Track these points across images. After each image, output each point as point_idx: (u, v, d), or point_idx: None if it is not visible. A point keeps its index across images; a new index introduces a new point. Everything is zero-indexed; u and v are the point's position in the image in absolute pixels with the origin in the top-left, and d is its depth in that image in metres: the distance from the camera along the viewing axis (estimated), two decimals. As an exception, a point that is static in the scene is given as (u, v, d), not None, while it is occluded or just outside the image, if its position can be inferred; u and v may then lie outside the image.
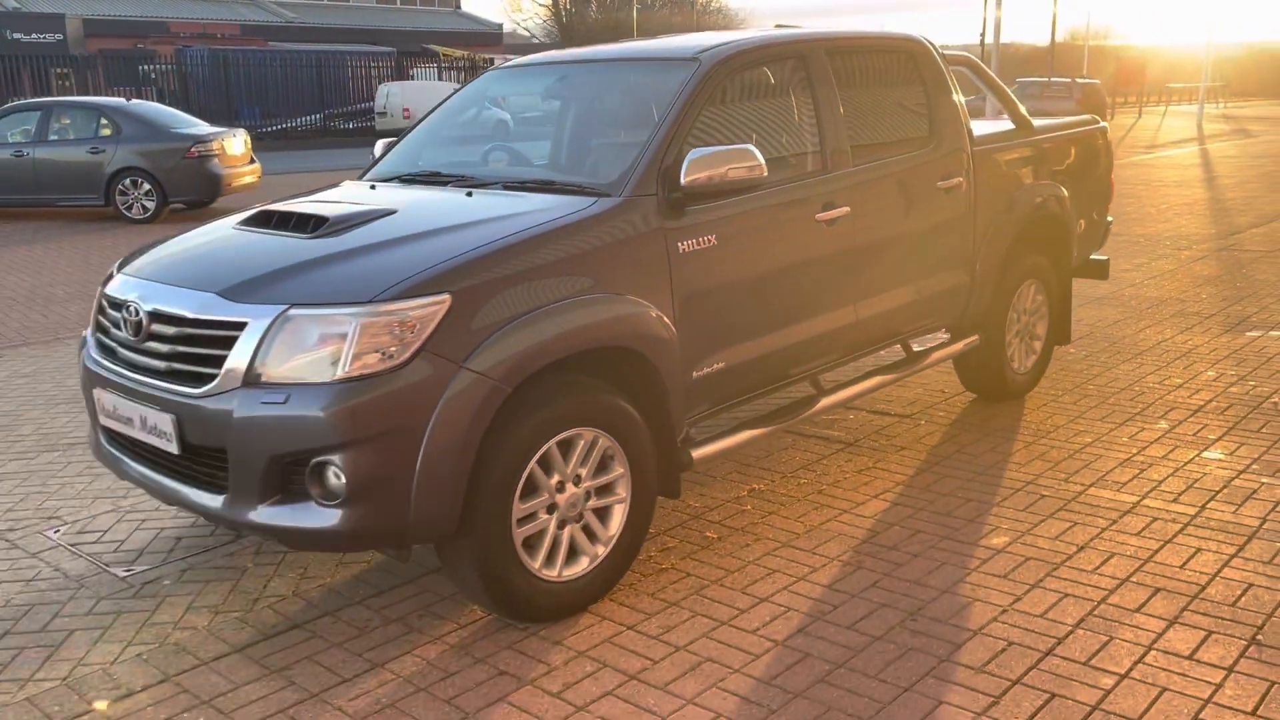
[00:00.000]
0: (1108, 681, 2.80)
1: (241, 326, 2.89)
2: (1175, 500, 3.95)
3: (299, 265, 3.04)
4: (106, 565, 3.68)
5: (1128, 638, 3.00)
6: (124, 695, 2.87)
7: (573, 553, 3.21)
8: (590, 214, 3.25)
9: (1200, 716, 2.64)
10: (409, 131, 4.52)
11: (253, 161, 14.16)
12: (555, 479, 3.11)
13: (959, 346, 4.73)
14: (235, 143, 13.64)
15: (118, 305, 3.29)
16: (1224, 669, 2.84)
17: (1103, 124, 5.76)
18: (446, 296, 2.86)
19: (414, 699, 2.81)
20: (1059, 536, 3.67)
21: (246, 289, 2.97)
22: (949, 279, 4.58)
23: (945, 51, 4.80)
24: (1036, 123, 5.28)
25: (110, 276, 3.53)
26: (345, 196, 3.84)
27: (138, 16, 39.46)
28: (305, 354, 2.83)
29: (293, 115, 31.82)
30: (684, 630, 3.12)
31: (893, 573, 3.44)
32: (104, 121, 13.31)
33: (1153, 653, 2.92)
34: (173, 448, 3.02)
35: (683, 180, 3.34)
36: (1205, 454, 4.41)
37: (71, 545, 3.84)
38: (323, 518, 2.82)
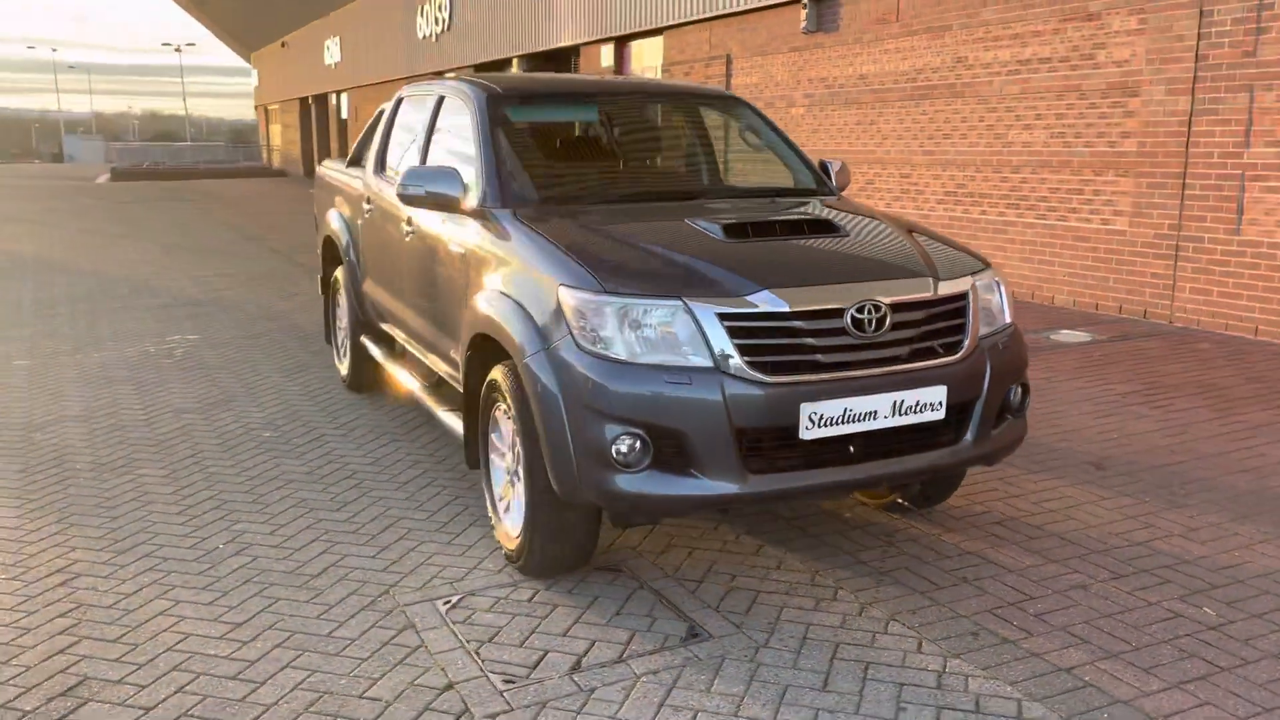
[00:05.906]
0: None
1: (964, 296, 3.50)
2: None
3: (900, 251, 3.64)
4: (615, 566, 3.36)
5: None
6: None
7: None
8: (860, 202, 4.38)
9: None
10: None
11: None
12: None
13: None
14: None
15: (821, 314, 3.21)
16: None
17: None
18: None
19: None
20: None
21: (934, 270, 3.50)
22: None
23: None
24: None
25: (680, 305, 3.14)
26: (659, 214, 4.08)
27: None
28: (994, 309, 3.65)
29: None
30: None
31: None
32: None
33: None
34: (939, 415, 3.35)
35: (834, 180, 4.77)
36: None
37: (483, 601, 3.32)
38: (1017, 430, 3.66)
